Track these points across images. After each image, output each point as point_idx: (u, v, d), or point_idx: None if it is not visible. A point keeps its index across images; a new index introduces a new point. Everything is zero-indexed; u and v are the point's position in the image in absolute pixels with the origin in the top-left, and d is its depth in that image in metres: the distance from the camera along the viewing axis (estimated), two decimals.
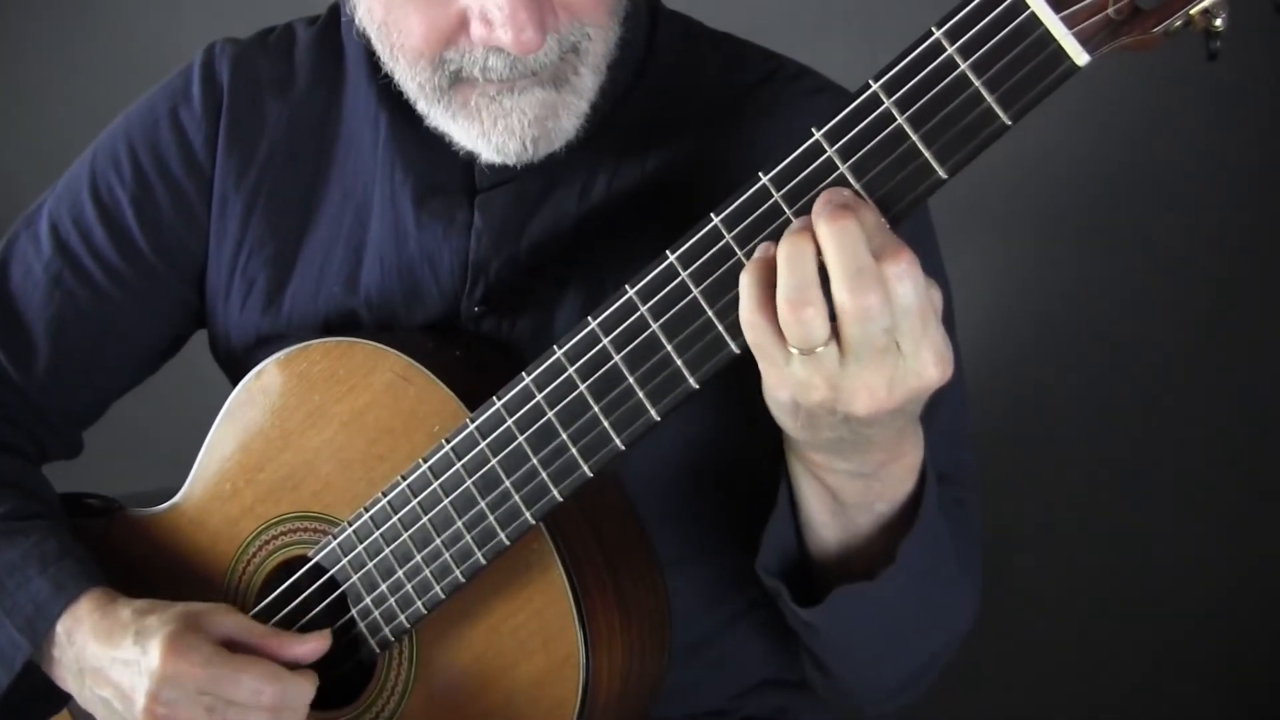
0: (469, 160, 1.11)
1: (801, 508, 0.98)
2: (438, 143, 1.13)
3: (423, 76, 1.02)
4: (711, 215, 0.86)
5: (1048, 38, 0.77)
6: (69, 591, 1.09)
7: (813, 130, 0.82)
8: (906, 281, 0.79)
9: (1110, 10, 0.77)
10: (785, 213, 0.84)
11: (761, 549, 1.00)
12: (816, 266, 0.80)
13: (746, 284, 0.83)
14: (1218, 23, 0.78)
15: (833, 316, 0.80)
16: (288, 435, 1.09)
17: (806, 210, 0.83)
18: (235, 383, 1.14)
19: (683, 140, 1.10)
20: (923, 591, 0.99)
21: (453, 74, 1.01)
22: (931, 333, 0.81)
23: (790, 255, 0.81)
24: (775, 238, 0.84)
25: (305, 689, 1.04)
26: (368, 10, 1.05)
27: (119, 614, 1.07)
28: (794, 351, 0.81)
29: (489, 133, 1.02)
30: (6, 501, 1.16)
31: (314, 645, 1.05)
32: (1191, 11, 0.77)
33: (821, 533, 0.97)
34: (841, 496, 0.94)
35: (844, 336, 0.80)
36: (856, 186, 0.82)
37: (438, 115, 1.05)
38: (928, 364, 0.81)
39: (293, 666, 1.05)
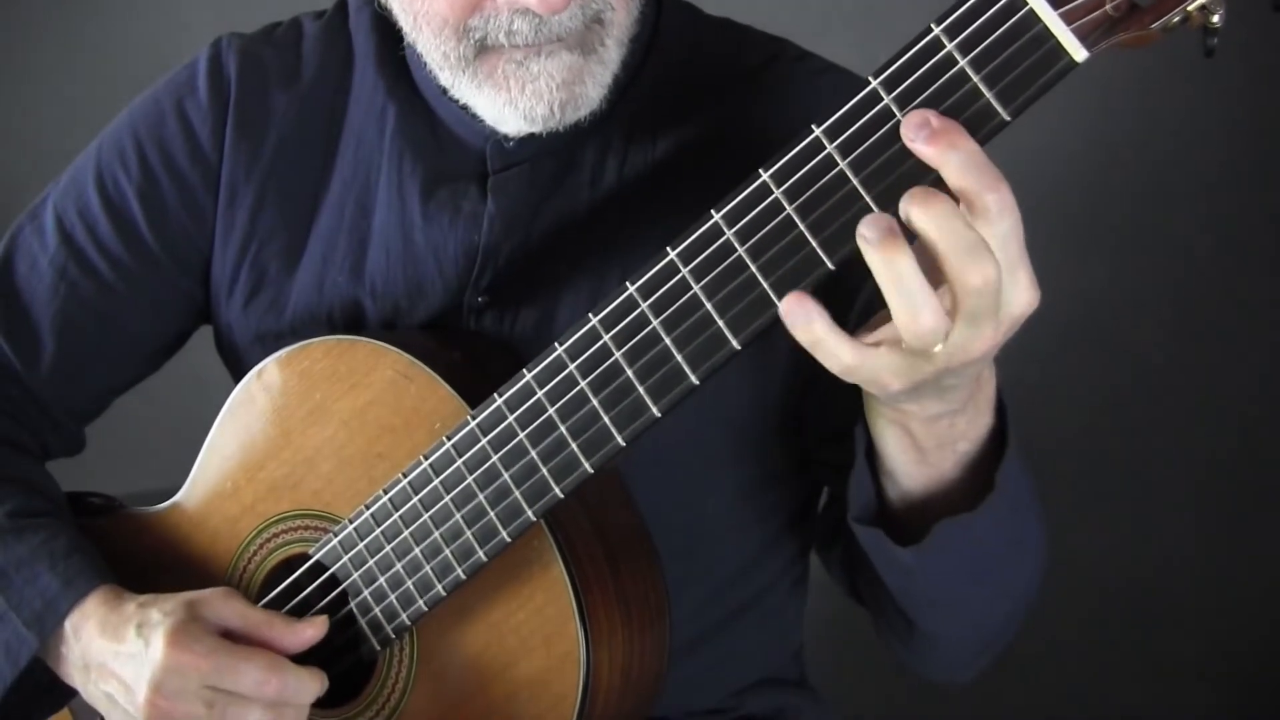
0: (480, 148, 1.12)
1: (883, 459, 0.96)
2: (448, 133, 1.14)
3: (448, 46, 1.02)
4: (712, 212, 0.86)
5: (1046, 34, 0.77)
6: (78, 588, 1.09)
7: (813, 127, 0.83)
8: (1008, 213, 0.78)
9: (1108, 7, 0.78)
10: (785, 209, 0.84)
11: (849, 503, 0.99)
12: (916, 266, 0.79)
13: (827, 346, 0.82)
14: (1215, 19, 0.78)
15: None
16: (288, 433, 1.09)
17: (807, 207, 0.83)
18: (237, 379, 1.14)
19: (691, 125, 1.11)
20: (1013, 522, 0.99)
21: (478, 42, 1.00)
22: (1025, 257, 0.80)
23: (892, 274, 0.79)
24: (775, 234, 0.84)
25: (309, 685, 1.04)
26: None
27: (124, 609, 1.07)
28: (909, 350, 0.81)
29: (516, 99, 1.01)
30: (14, 498, 1.16)
31: (312, 632, 1.05)
32: (1189, 8, 0.78)
33: (904, 482, 0.96)
34: (924, 442, 0.92)
35: (963, 309, 0.79)
36: (855, 183, 0.82)
37: (463, 86, 1.04)
38: (1025, 287, 0.80)
39: (299, 659, 1.05)
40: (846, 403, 0.96)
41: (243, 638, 1.04)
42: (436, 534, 1.00)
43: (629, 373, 0.91)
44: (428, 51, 1.05)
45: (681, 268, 0.88)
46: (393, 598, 1.04)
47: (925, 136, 0.78)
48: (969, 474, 0.95)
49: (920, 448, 0.93)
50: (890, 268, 0.79)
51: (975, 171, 0.78)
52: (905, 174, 0.81)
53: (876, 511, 1.00)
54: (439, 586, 1.01)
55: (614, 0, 1.01)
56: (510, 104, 1.02)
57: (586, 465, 0.94)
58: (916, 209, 0.79)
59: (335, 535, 1.06)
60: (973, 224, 0.78)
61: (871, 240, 0.79)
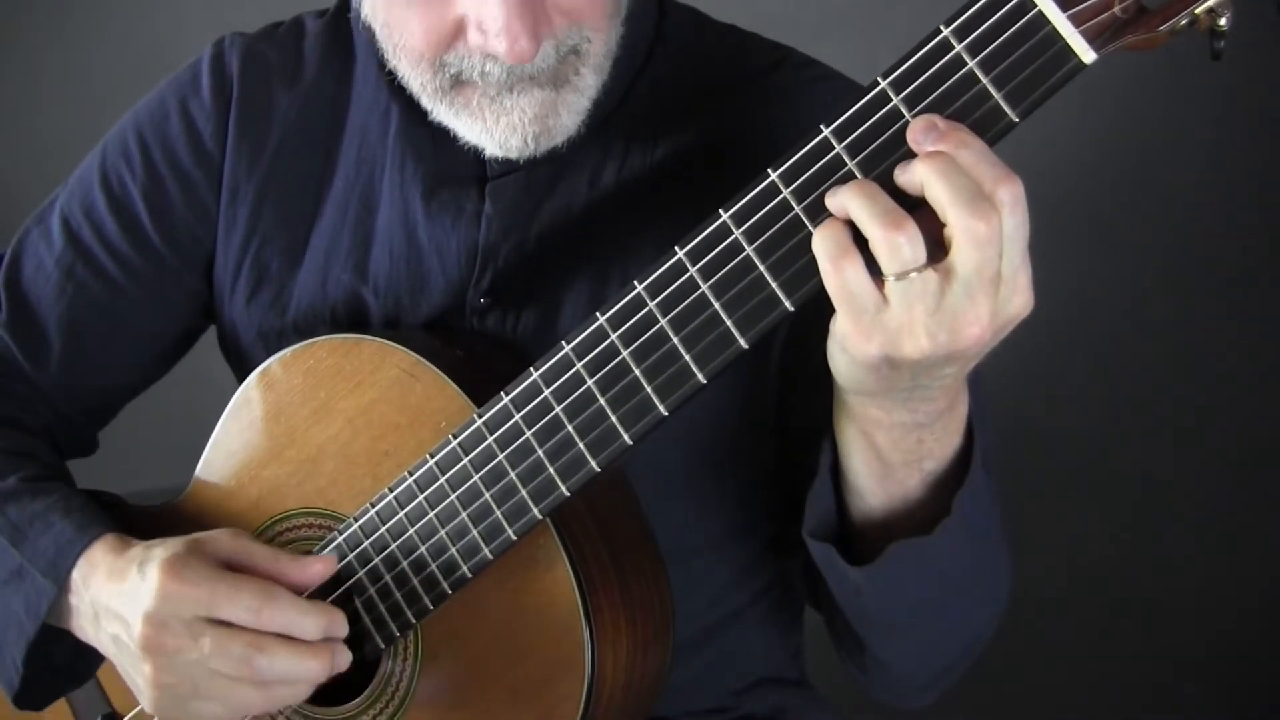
0: (479, 152, 1.12)
1: (847, 473, 0.97)
2: (448, 135, 1.14)
3: (424, 77, 1.03)
4: (720, 211, 0.86)
5: (1055, 35, 0.78)
6: (90, 532, 1.08)
7: (821, 127, 0.83)
8: (1016, 207, 0.79)
9: (1116, 9, 0.78)
10: (794, 209, 0.84)
11: (805, 516, 1.00)
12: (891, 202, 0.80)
13: (824, 236, 0.83)
14: (1222, 22, 0.79)
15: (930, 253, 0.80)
16: (293, 431, 1.09)
17: (814, 206, 0.84)
18: (241, 378, 1.14)
19: (691, 128, 1.11)
20: (972, 552, 0.98)
21: (453, 76, 1.02)
22: (1028, 262, 0.81)
23: (867, 193, 0.81)
24: (784, 233, 0.85)
25: (311, 620, 1.00)
26: (371, 8, 1.06)
27: (130, 552, 1.05)
28: (890, 279, 0.81)
29: (492, 129, 1.03)
30: (28, 467, 1.16)
31: (320, 567, 1.03)
32: (1196, 11, 0.78)
33: (868, 498, 0.96)
34: (889, 456, 0.92)
35: (958, 262, 0.79)
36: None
37: (441, 112, 1.06)
38: (1023, 289, 0.81)
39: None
40: (825, 406, 0.96)
41: (247, 571, 1.02)
42: (442, 532, 1.00)
43: (636, 371, 0.91)
44: (406, 79, 1.06)
45: (689, 266, 0.88)
46: (397, 595, 1.04)
47: (934, 139, 0.79)
48: (934, 497, 0.95)
49: (886, 462, 0.93)
50: (867, 191, 0.81)
51: (987, 166, 0.79)
52: None
53: (836, 528, 1.00)
54: (444, 584, 1.01)
55: (590, 33, 1.01)
56: (486, 133, 1.03)
57: (593, 464, 0.94)
58: (921, 162, 0.80)
59: (340, 533, 1.06)
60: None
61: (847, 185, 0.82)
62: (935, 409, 0.90)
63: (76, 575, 1.07)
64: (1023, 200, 0.79)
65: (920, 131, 0.80)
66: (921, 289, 0.80)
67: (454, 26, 0.99)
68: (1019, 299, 0.81)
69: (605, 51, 1.03)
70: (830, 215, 0.83)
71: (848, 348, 0.85)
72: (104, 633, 1.07)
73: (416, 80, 1.04)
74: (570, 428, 0.94)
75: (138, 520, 1.19)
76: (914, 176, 0.80)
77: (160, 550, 1.02)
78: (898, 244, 0.80)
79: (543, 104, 1.01)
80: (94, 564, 1.07)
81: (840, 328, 0.84)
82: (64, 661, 1.13)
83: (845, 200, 0.82)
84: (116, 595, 1.04)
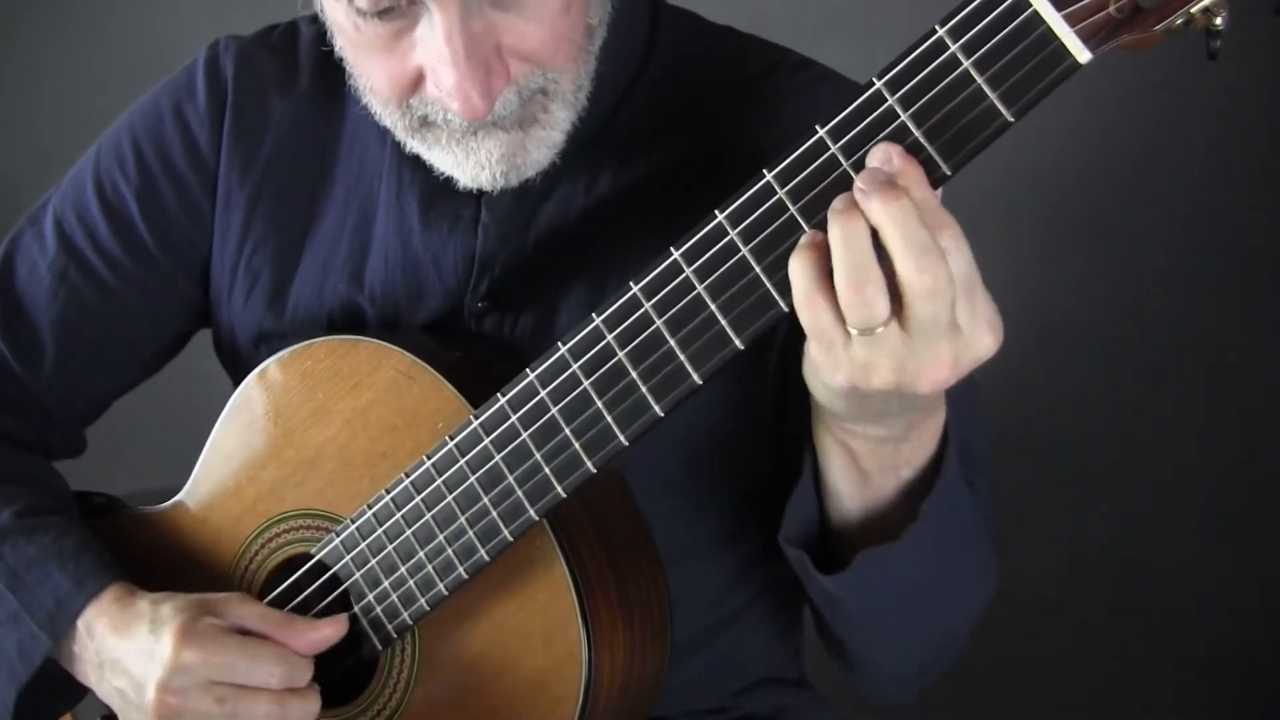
0: None
1: (826, 478, 0.98)
2: None
3: (393, 117, 1.04)
4: (716, 212, 0.86)
5: (1050, 35, 0.78)
6: (89, 588, 1.09)
7: (816, 127, 0.83)
8: (960, 252, 0.80)
9: (1111, 9, 0.78)
10: (789, 209, 0.84)
11: (784, 521, 1.01)
12: (871, 244, 0.80)
13: (798, 268, 0.83)
14: (1218, 21, 0.78)
15: (891, 296, 0.81)
16: (291, 433, 1.09)
17: (811, 207, 0.84)
18: (238, 381, 1.14)
19: (688, 132, 1.11)
20: (944, 556, 0.99)
21: (420, 118, 1.03)
22: (982, 301, 0.82)
23: (845, 236, 0.81)
24: (780, 234, 0.85)
25: (306, 673, 1.04)
26: (340, 49, 1.07)
27: (136, 606, 1.07)
28: (854, 333, 0.81)
29: (462, 164, 1.04)
30: (22, 498, 1.16)
31: (330, 630, 1.05)
32: (1192, 10, 0.78)
33: (845, 503, 0.97)
34: (866, 464, 0.94)
35: (911, 314, 0.80)
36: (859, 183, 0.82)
37: (414, 145, 1.07)
38: (984, 333, 0.82)
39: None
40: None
41: (256, 634, 1.04)
42: (439, 534, 1.00)
43: (632, 373, 0.91)
44: (378, 116, 1.07)
45: (685, 268, 0.88)
46: (395, 597, 1.04)
47: (877, 188, 0.79)
48: (909, 503, 0.96)
49: (863, 470, 0.95)
50: (846, 229, 0.80)
51: (929, 213, 0.79)
52: None
53: (816, 533, 1.01)
54: (441, 585, 1.01)
55: (556, 74, 1.01)
56: (457, 166, 1.04)
57: (589, 465, 0.94)
58: (877, 203, 0.80)
59: (337, 535, 1.06)
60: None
61: (838, 209, 0.81)
62: (908, 423, 0.91)
63: (80, 625, 1.09)
64: (962, 239, 0.80)
65: (864, 175, 0.80)
66: (884, 337, 0.81)
67: (414, 75, 1.00)
68: (982, 343, 0.82)
69: (576, 87, 1.04)
70: (815, 230, 0.84)
71: (819, 374, 0.86)
72: (108, 684, 1.08)
73: (387, 119, 1.06)
74: (567, 429, 0.94)
75: (134, 523, 1.19)
76: (869, 213, 0.80)
77: (169, 611, 1.04)
78: (858, 304, 0.80)
79: (509, 145, 1.02)
80: (98, 614, 1.08)
81: (812, 355, 0.86)
82: (58, 681, 1.13)
83: (830, 232, 0.82)
84: (125, 653, 1.06)
